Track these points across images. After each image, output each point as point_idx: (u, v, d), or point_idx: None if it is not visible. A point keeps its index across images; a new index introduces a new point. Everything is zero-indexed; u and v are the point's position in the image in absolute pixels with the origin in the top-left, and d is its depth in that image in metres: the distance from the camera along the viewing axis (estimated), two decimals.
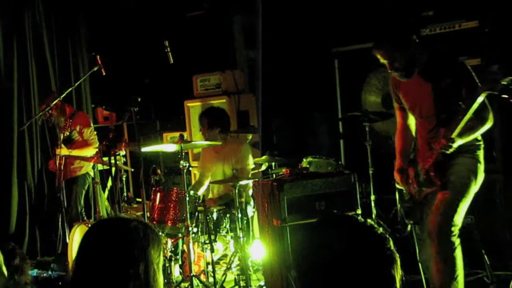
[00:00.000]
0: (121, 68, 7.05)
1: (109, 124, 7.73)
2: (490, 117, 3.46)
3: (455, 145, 3.40)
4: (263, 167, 5.78)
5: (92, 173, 6.11)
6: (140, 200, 6.42)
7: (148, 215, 4.84)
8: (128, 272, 1.76)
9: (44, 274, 5.48)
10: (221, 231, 5.05)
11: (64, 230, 5.74)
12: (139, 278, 1.76)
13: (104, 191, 7.00)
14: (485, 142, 3.68)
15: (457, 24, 5.39)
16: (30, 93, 6.90)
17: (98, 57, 5.48)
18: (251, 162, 5.55)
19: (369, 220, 1.59)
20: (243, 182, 4.98)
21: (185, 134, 6.59)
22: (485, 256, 4.47)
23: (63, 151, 5.66)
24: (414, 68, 3.55)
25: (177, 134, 5.45)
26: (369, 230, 1.56)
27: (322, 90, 6.77)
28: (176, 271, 5.02)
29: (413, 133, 3.84)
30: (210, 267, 4.76)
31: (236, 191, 4.79)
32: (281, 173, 4.84)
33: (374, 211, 5.33)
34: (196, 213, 4.90)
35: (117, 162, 5.49)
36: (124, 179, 6.65)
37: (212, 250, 4.69)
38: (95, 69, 5.52)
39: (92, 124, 6.31)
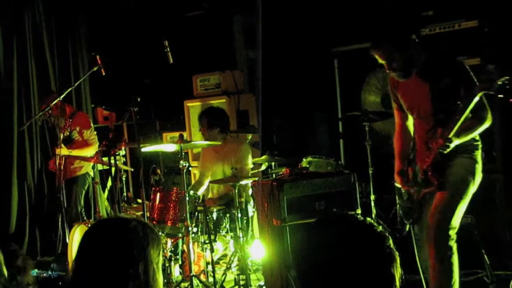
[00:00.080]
0: (121, 68, 7.06)
1: (109, 124, 7.73)
2: (488, 117, 3.46)
3: (452, 145, 3.39)
4: (263, 167, 5.79)
5: (92, 173, 6.11)
6: (140, 201, 6.42)
7: (148, 215, 4.84)
8: (128, 271, 1.76)
9: (44, 274, 5.47)
10: (221, 231, 5.05)
11: (64, 230, 5.74)
12: (138, 277, 1.77)
13: (104, 191, 7.00)
14: (485, 142, 3.68)
15: (456, 23, 5.39)
16: (30, 93, 6.90)
17: (98, 57, 5.48)
18: (250, 162, 5.55)
19: (368, 219, 1.59)
20: (243, 182, 4.98)
21: (185, 134, 6.58)
22: (485, 256, 4.47)
23: (63, 151, 5.66)
24: (412, 68, 3.54)
25: (176, 134, 5.46)
26: (368, 229, 1.56)
27: (321, 90, 6.77)
28: (176, 271, 5.02)
29: (412, 133, 3.84)
30: (210, 267, 4.76)
31: (236, 191, 4.79)
32: (281, 173, 4.84)
33: (374, 211, 5.34)
34: (196, 213, 4.90)
35: (117, 162, 5.50)
36: (124, 179, 6.66)
37: (212, 250, 4.69)
38: (95, 69, 5.52)
39: (92, 124, 6.31)
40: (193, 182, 6.34)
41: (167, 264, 4.84)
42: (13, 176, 6.69)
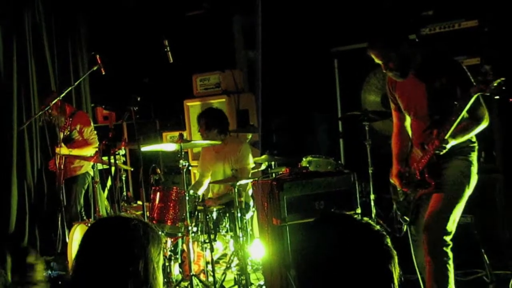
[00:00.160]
0: (120, 68, 7.06)
1: (108, 123, 7.73)
2: (485, 117, 3.44)
3: (448, 146, 3.37)
4: (263, 167, 5.79)
5: (91, 173, 6.11)
6: (140, 202, 6.42)
7: (148, 215, 4.84)
8: (128, 269, 1.76)
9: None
10: (220, 231, 5.05)
11: (64, 230, 5.74)
12: (138, 275, 1.77)
13: (103, 191, 7.00)
14: (485, 142, 3.66)
15: (456, 23, 5.39)
16: (30, 93, 6.90)
17: (97, 56, 5.48)
18: (251, 161, 5.55)
19: (365, 218, 1.61)
20: (242, 182, 4.98)
21: (185, 134, 6.58)
22: (485, 256, 4.47)
23: (63, 150, 5.66)
24: (408, 68, 3.53)
25: (176, 133, 5.46)
26: (365, 227, 1.57)
27: (321, 90, 6.78)
28: (175, 271, 5.02)
29: (410, 134, 3.83)
30: (209, 267, 4.76)
31: (236, 190, 4.79)
32: (281, 172, 4.84)
33: (373, 210, 5.34)
34: (196, 213, 4.90)
35: (117, 162, 5.50)
36: (123, 178, 6.66)
37: (211, 250, 4.69)
38: (95, 68, 5.52)
39: (92, 124, 6.31)
40: (193, 181, 6.34)
41: (167, 264, 4.84)
42: (13, 176, 6.69)
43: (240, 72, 7.15)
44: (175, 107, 7.36)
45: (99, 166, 5.85)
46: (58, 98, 5.69)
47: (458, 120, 3.27)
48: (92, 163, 5.78)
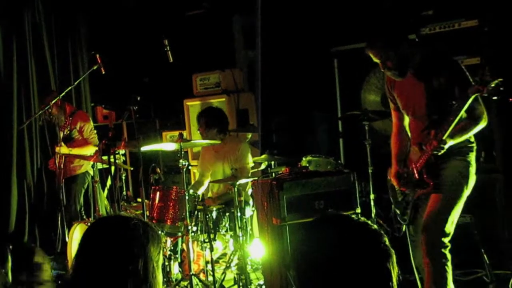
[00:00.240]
0: (120, 67, 7.06)
1: (108, 123, 7.73)
2: (484, 117, 3.43)
3: (446, 146, 3.36)
4: (263, 166, 5.79)
5: (91, 172, 6.11)
6: (140, 200, 6.42)
7: (148, 214, 4.84)
8: (127, 268, 1.77)
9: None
10: (220, 230, 5.05)
11: (64, 229, 5.74)
12: (138, 274, 1.77)
13: (103, 190, 7.00)
14: (485, 142, 3.66)
15: (456, 23, 5.39)
16: (30, 93, 6.90)
17: (97, 56, 5.48)
18: (250, 160, 5.56)
19: (362, 218, 1.62)
20: (242, 181, 4.98)
21: (185, 133, 6.59)
22: (485, 255, 4.47)
23: (63, 149, 5.66)
24: (407, 68, 3.53)
25: (176, 133, 5.47)
26: (363, 227, 1.58)
27: (321, 89, 6.77)
28: (175, 270, 5.02)
29: (409, 133, 3.82)
30: (209, 266, 4.76)
31: (235, 190, 4.79)
32: (281, 172, 4.84)
33: (373, 210, 5.33)
34: (196, 212, 4.90)
35: (117, 161, 5.49)
36: (123, 178, 6.66)
37: (211, 249, 4.69)
38: (95, 67, 5.53)
39: (92, 123, 6.32)
40: (192, 181, 6.34)
41: (166, 263, 4.84)
42: (12, 175, 6.70)
43: (240, 71, 7.15)
44: (175, 107, 7.36)
45: (99, 165, 5.85)
46: (58, 98, 5.70)
47: (456, 120, 3.27)
48: (92, 163, 5.79)
